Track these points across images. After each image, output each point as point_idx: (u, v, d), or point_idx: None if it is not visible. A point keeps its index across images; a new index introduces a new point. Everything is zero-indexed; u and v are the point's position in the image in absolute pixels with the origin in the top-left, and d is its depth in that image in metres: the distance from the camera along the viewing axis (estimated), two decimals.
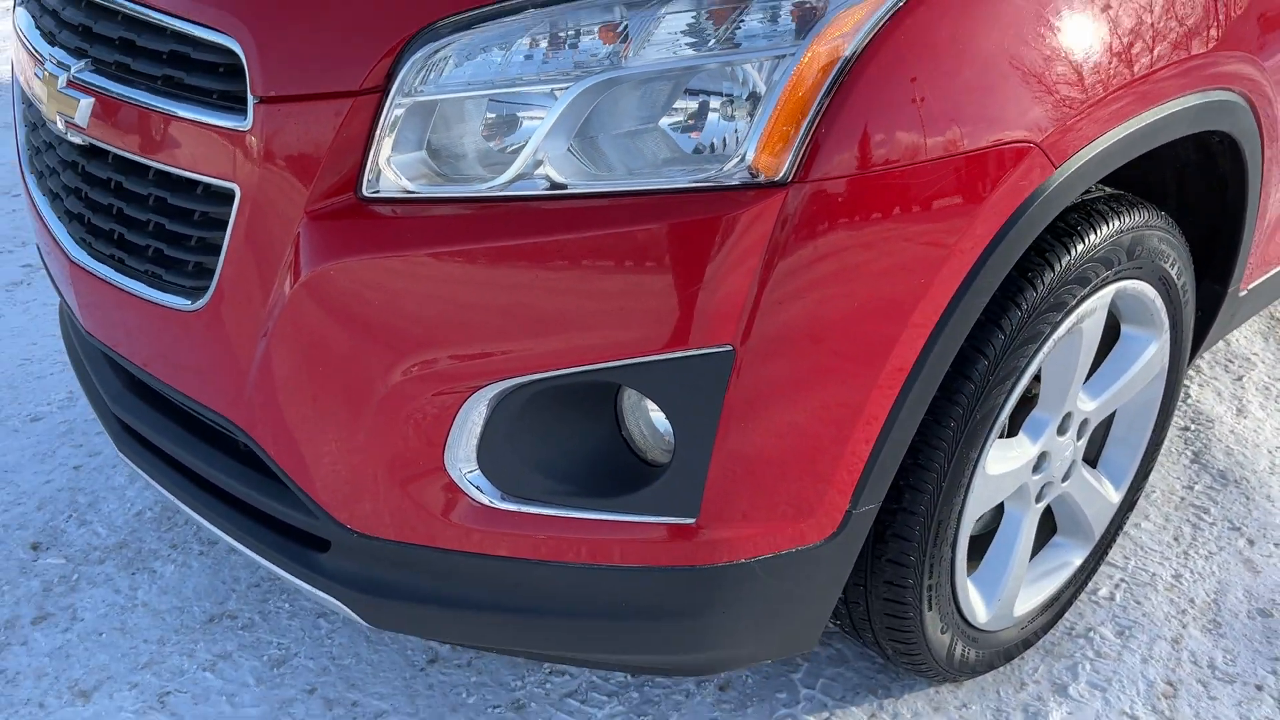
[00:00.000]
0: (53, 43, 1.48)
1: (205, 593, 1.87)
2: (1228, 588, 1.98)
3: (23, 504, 2.10)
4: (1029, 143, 1.23)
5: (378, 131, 1.19)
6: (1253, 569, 2.03)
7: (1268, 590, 1.98)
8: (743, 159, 1.13)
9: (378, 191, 1.22)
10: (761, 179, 1.13)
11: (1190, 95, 1.42)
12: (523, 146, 1.17)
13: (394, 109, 1.18)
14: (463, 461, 1.27)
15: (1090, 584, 1.97)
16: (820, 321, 1.19)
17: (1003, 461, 1.52)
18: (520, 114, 1.18)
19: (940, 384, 1.34)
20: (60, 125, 1.44)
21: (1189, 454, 2.37)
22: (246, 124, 1.22)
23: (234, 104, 1.24)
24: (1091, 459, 1.83)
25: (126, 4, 1.34)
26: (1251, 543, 2.10)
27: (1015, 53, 1.21)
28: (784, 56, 1.13)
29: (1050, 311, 1.42)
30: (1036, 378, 1.54)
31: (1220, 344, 2.82)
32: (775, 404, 1.21)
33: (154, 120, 1.31)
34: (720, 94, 1.15)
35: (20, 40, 1.61)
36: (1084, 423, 1.67)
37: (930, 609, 1.51)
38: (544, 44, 1.17)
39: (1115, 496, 1.82)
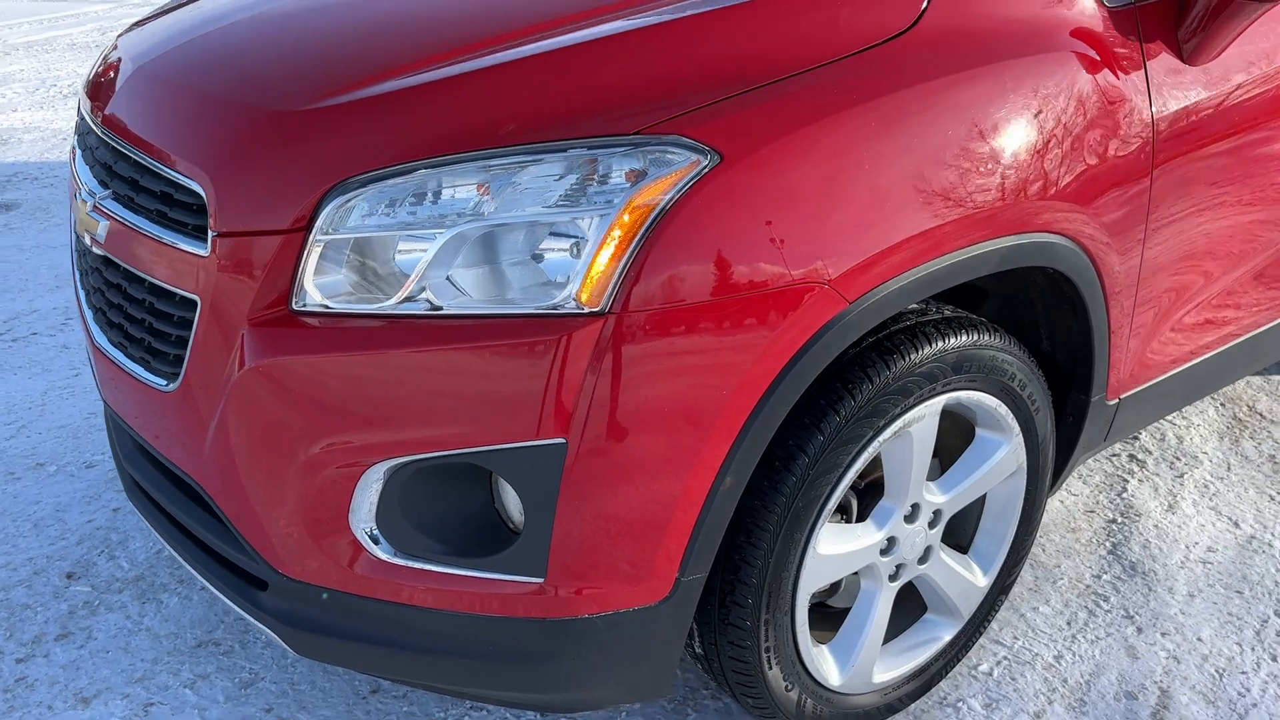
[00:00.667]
0: (89, 173, 1.87)
1: (199, 622, 2.21)
2: (1103, 670, 2.16)
3: (66, 539, 2.48)
4: (820, 283, 1.50)
5: (303, 260, 1.53)
6: (1133, 655, 2.20)
7: (1140, 675, 2.15)
8: (571, 293, 1.43)
9: (305, 306, 1.54)
10: (586, 310, 1.43)
11: (997, 240, 1.67)
12: (410, 275, 1.49)
13: (315, 244, 1.52)
14: (364, 522, 1.58)
15: (974, 660, 2.17)
16: (638, 423, 1.47)
17: (840, 543, 1.76)
18: (409, 249, 1.50)
19: (766, 474, 1.61)
20: (87, 240, 1.82)
21: (1108, 545, 2.55)
22: (207, 251, 1.57)
23: (201, 235, 1.59)
24: (965, 545, 2.05)
25: (133, 151, 1.72)
26: (1140, 630, 2.27)
27: (808, 208, 1.49)
28: (607, 213, 1.43)
29: (871, 417, 1.67)
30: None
31: (1172, 440, 2.98)
32: (604, 487, 1.50)
33: (148, 242, 1.68)
34: (559, 240, 1.45)
35: (71, 164, 2.01)
36: (937, 513, 1.90)
37: (771, 668, 1.75)
38: (428, 197, 1.49)
39: (983, 581, 2.03)
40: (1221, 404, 3.18)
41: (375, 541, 1.59)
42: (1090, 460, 2.89)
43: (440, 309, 1.48)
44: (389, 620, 1.64)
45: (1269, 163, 2.05)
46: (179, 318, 1.66)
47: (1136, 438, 2.99)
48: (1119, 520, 2.64)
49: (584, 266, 1.43)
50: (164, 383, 1.70)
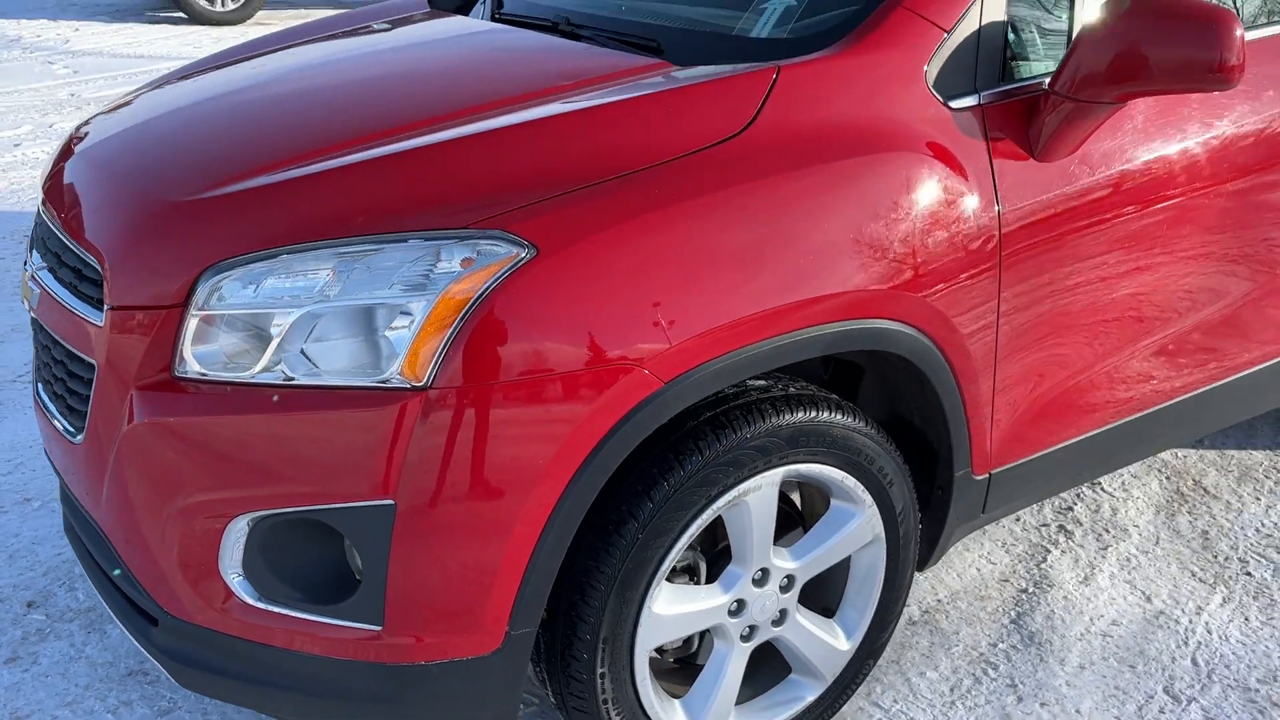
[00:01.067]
0: (35, 246, 2.10)
1: (134, 653, 2.41)
2: None
3: (34, 570, 2.71)
4: (633, 364, 1.64)
5: (182, 332, 1.72)
6: None
7: None
8: (398, 368, 1.60)
9: (185, 373, 1.73)
10: (410, 384, 1.60)
11: (822, 326, 1.79)
12: (269, 348, 1.67)
13: (191, 318, 1.71)
14: (231, 569, 1.75)
15: None
16: (459, 488, 1.62)
17: (681, 603, 1.88)
18: (270, 325, 1.68)
19: (599, 535, 1.75)
20: (27, 305, 2.05)
21: (1012, 614, 2.61)
22: (102, 322, 1.78)
23: (100, 306, 1.80)
24: (833, 609, 2.15)
25: (58, 228, 1.94)
26: (1020, 700, 2.33)
27: (622, 296, 1.63)
28: (431, 297, 1.60)
29: (702, 486, 1.79)
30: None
31: (1106, 511, 3.03)
32: (432, 545, 1.65)
33: (62, 310, 1.89)
34: (393, 320, 1.62)
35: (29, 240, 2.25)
36: (791, 578, 2.01)
37: (611, 719, 1.87)
38: (286, 278, 1.68)
39: (846, 645, 2.12)
40: (1167, 477, 3.21)
41: (242, 587, 1.75)
42: (1017, 529, 2.95)
43: (293, 379, 1.66)
44: (258, 659, 1.80)
45: (1133, 252, 2.14)
46: (86, 378, 1.87)
47: (1070, 508, 3.05)
48: (1030, 590, 2.70)
49: (409, 344, 1.60)
50: (75, 435, 1.91)
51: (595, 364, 1.63)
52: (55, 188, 2.05)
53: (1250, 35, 2.22)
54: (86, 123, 2.30)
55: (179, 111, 2.11)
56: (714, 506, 1.82)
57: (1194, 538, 2.92)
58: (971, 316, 1.97)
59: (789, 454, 1.87)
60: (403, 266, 1.64)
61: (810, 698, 2.12)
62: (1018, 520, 2.99)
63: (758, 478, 1.85)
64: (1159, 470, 3.25)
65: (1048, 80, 2.01)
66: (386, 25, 2.60)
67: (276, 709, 1.87)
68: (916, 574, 2.73)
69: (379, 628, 1.70)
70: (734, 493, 1.84)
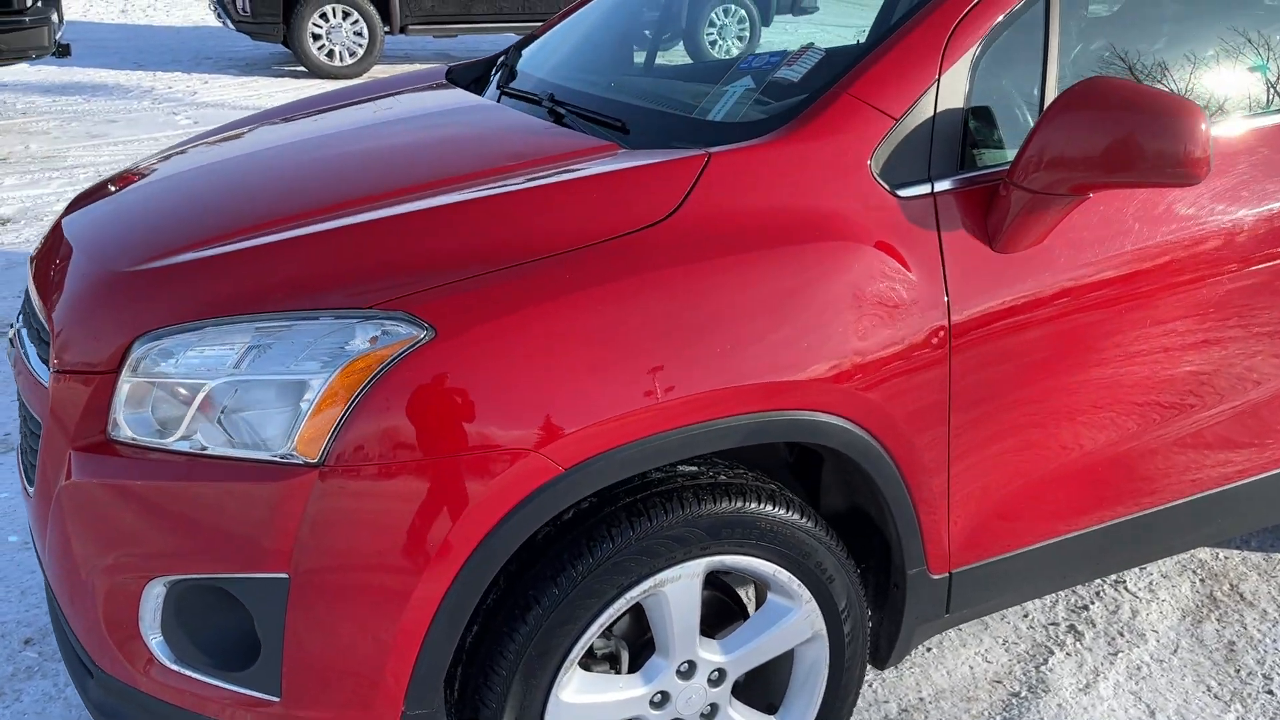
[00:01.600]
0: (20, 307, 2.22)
1: None
2: None
3: (40, 607, 2.82)
4: (529, 450, 1.63)
5: (115, 396, 1.78)
6: None
7: None
8: (294, 445, 1.63)
9: (119, 436, 1.80)
10: (303, 460, 1.62)
11: (738, 416, 1.74)
12: (185, 417, 1.72)
13: (123, 384, 1.77)
14: (150, 630, 1.79)
15: None
16: (350, 566, 1.63)
17: (594, 692, 1.84)
18: (189, 394, 1.73)
19: (506, 619, 1.74)
20: (9, 366, 2.16)
21: (997, 719, 2.47)
22: (47, 383, 1.86)
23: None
24: (777, 705, 2.08)
25: (32, 293, 2.05)
26: None
27: (521, 382, 1.63)
28: (329, 376, 1.62)
29: (613, 575, 1.76)
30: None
31: (1125, 614, 2.86)
32: (324, 621, 1.66)
33: (26, 370, 1.99)
34: (294, 396, 1.65)
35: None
36: (721, 671, 1.95)
37: None
38: (206, 349, 1.73)
39: None
40: (1202, 579, 3.01)
41: (160, 649, 1.79)
42: (1023, 626, 2.80)
43: (205, 449, 1.70)
44: None
45: (1104, 346, 2.03)
46: (39, 435, 1.95)
47: (1086, 606, 2.88)
48: (1023, 694, 2.55)
49: (304, 422, 1.62)
50: (30, 488, 1.99)
51: (490, 448, 1.62)
52: (38, 253, 2.17)
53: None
54: (79, 194, 2.43)
55: (146, 186, 2.21)
56: (627, 596, 1.79)
57: (1218, 648, 2.72)
58: (917, 411, 1.90)
59: (710, 545, 1.82)
60: (313, 343, 1.67)
61: None
62: (1025, 616, 2.85)
63: (676, 568, 1.81)
64: (1194, 571, 3.05)
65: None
66: (385, 99, 2.68)
67: None
68: (900, 667, 2.63)
69: (277, 699, 1.71)
70: (649, 583, 1.80)
